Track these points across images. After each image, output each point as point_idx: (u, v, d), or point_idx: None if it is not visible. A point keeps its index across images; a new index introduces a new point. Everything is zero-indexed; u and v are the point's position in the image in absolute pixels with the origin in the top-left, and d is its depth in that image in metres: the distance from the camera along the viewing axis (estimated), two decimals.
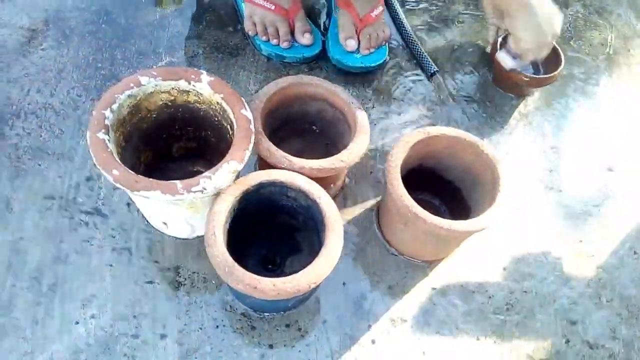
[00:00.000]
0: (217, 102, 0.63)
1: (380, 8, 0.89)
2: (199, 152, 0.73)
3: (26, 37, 0.86)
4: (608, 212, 0.79)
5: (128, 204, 0.72)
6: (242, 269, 0.54)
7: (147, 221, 0.71)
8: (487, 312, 0.68)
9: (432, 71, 0.88)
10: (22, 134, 0.76)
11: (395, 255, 0.71)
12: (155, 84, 0.62)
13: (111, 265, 0.67)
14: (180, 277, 0.67)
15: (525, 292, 0.70)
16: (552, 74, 0.83)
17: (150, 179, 0.54)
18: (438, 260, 0.71)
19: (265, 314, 0.65)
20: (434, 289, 0.69)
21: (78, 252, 0.67)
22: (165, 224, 0.66)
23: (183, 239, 0.70)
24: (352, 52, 0.86)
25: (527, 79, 0.83)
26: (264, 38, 0.87)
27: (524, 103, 0.89)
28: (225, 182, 0.56)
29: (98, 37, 0.88)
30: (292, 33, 0.88)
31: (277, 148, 0.63)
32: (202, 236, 0.69)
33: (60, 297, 0.64)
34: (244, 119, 0.60)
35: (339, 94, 0.69)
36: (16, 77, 0.82)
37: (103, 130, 0.57)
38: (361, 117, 0.67)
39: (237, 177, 0.61)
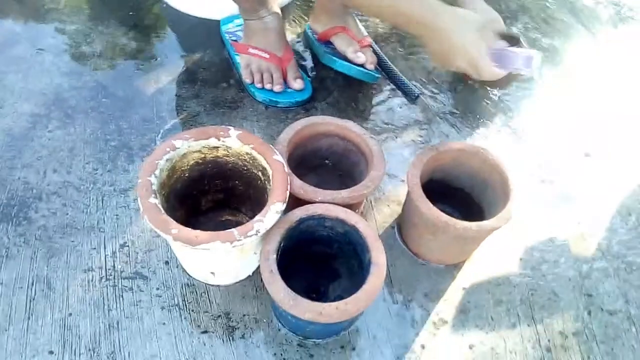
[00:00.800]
0: (247, 153, 0.68)
1: (370, 39, 0.99)
2: (225, 203, 0.78)
3: (31, 123, 0.89)
4: (595, 194, 0.88)
5: (166, 262, 0.75)
6: (305, 300, 0.59)
7: (188, 275, 0.74)
8: (515, 300, 0.75)
9: (415, 94, 0.97)
10: (47, 214, 0.78)
11: (424, 264, 0.77)
12: (188, 145, 0.67)
13: (164, 323, 0.69)
14: (232, 322, 0.70)
15: (544, 275, 0.78)
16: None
17: (208, 232, 0.59)
18: (462, 263, 0.78)
19: (319, 340, 0.69)
20: (464, 288, 0.76)
21: (128, 317, 0.70)
22: (212, 273, 0.69)
23: (226, 285, 0.73)
24: (359, 66, 0.95)
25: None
26: (259, 85, 0.94)
27: (503, 110, 0.99)
28: (273, 222, 0.61)
29: (101, 112, 0.92)
30: (284, 79, 0.95)
31: (308, 185, 0.68)
32: (242, 280, 0.74)
33: None
34: (277, 163, 0.66)
35: (350, 128, 0.76)
36: (29, 162, 0.84)
37: (153, 196, 0.61)
38: (374, 145, 0.74)
39: None
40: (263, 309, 0.72)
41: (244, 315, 0.71)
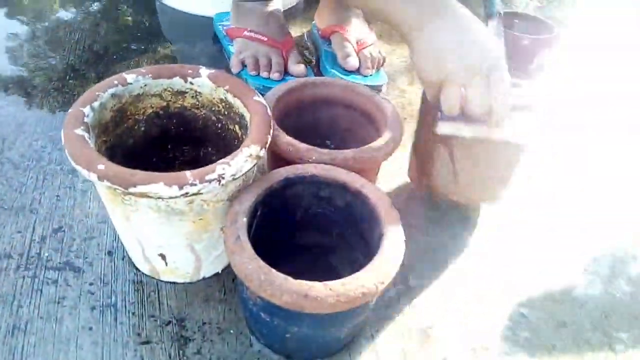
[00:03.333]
0: (221, 99, 0.52)
1: (374, 36, 0.86)
2: None
3: None
4: None
5: (110, 253, 0.56)
6: (283, 275, 0.40)
7: (136, 269, 0.55)
8: (584, 325, 0.54)
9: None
10: None
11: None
12: (144, 83, 0.51)
13: (90, 328, 0.49)
14: (186, 331, 0.50)
15: (620, 295, 0.57)
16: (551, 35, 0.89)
17: (151, 172, 0.41)
18: (507, 275, 0.58)
19: None
20: (514, 302, 0.55)
21: (43, 317, 0.50)
22: (162, 256, 0.50)
23: (185, 283, 0.54)
24: (353, 73, 0.80)
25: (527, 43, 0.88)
26: (253, 72, 0.80)
27: None
28: (245, 168, 0.43)
29: (64, 92, 0.78)
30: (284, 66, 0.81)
31: (299, 141, 0.52)
32: (209, 278, 0.54)
33: None
34: (258, 105, 0.49)
35: (358, 90, 0.60)
36: None
37: (82, 127, 0.44)
38: (390, 107, 0.58)
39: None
40: (232, 316, 0.52)
41: (203, 323, 0.51)
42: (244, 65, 0.81)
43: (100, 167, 0.41)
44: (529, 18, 0.94)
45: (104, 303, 0.52)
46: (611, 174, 0.74)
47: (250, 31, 0.82)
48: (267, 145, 0.46)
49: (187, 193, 0.41)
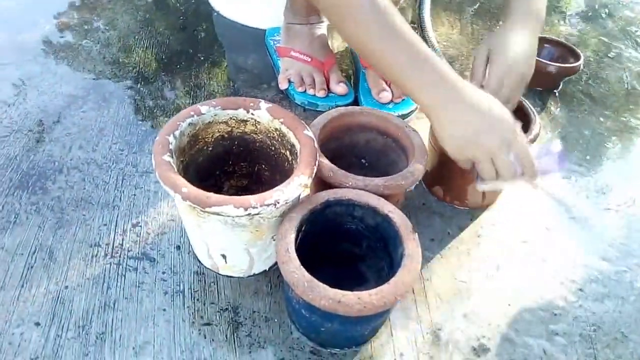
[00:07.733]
0: (276, 129, 0.63)
1: None
2: (249, 191, 0.71)
3: (66, 102, 0.88)
4: None
5: (178, 247, 0.68)
6: (322, 284, 0.50)
7: (199, 262, 0.67)
8: (574, 335, 0.63)
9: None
10: (65, 187, 0.75)
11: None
12: (215, 113, 0.62)
13: (164, 310, 0.62)
14: (239, 317, 0.62)
15: (607, 312, 0.66)
16: (575, 64, 0.95)
17: (222, 195, 0.52)
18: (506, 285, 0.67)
19: (336, 349, 0.60)
20: (508, 311, 0.65)
21: (127, 298, 0.63)
22: (223, 256, 0.62)
23: (239, 277, 0.66)
24: (385, 104, 0.89)
25: (553, 71, 0.96)
26: (301, 89, 0.90)
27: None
28: (295, 195, 0.54)
29: (137, 99, 0.90)
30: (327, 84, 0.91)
31: (339, 168, 0.62)
32: (259, 274, 0.66)
33: (110, 346, 0.58)
34: (307, 138, 0.60)
35: (391, 120, 0.70)
36: (57, 137, 0.82)
37: (168, 154, 0.56)
38: (417, 138, 0.67)
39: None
40: (276, 307, 0.63)
41: (253, 311, 0.63)
42: (290, 82, 0.91)
43: (184, 190, 0.52)
44: (558, 44, 1.00)
45: (174, 289, 0.64)
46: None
47: (297, 51, 0.91)
48: (313, 174, 0.57)
49: (250, 214, 0.52)
